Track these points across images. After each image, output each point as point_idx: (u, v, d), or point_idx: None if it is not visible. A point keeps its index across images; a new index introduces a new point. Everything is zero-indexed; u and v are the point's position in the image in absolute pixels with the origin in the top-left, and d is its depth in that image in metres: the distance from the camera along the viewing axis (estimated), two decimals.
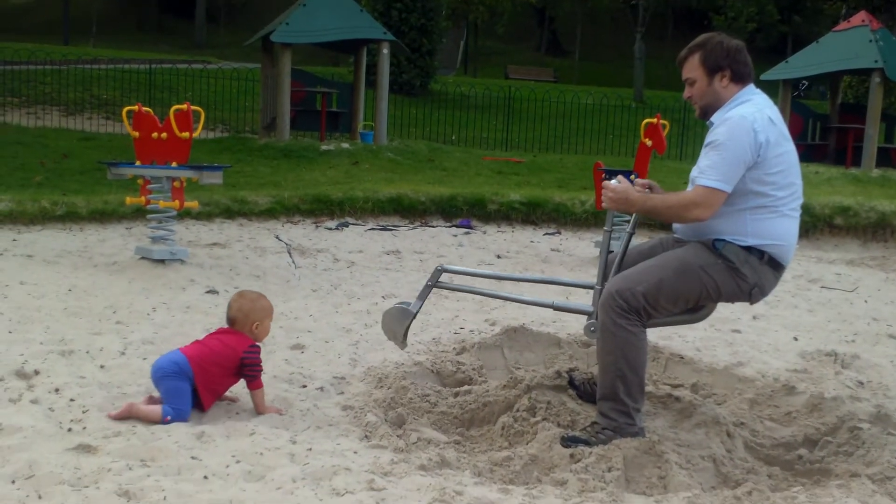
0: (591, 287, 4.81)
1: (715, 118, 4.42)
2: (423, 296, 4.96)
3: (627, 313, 4.27)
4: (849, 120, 19.91)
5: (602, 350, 4.35)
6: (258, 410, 4.57)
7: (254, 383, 4.58)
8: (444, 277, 5.04)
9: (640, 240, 5.11)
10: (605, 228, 4.73)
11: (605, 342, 4.33)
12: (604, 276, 4.65)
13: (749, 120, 4.26)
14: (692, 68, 4.48)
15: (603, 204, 4.58)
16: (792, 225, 4.43)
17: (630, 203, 4.47)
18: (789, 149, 4.40)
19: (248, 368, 4.57)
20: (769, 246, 4.36)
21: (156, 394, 4.50)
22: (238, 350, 4.58)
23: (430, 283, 4.95)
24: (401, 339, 4.97)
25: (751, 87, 4.48)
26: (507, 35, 56.55)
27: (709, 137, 4.36)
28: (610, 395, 4.32)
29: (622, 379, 4.29)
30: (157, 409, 4.33)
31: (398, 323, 4.93)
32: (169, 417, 4.32)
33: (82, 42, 44.37)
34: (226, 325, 4.78)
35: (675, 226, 4.65)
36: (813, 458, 4.55)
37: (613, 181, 4.51)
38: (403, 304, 4.96)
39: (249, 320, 4.68)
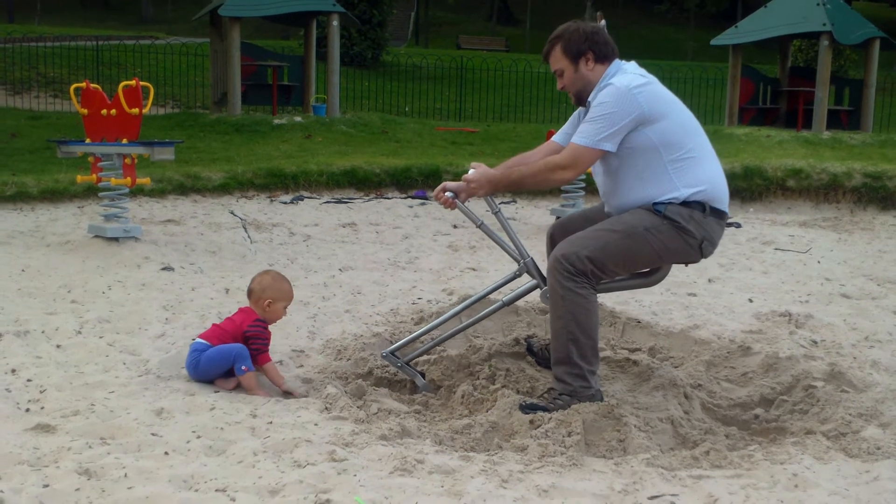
0: (516, 277, 4.86)
1: (592, 97, 4.50)
2: (412, 373, 4.91)
3: (574, 276, 4.29)
4: (799, 83, 20.03)
5: (553, 315, 4.38)
6: (275, 384, 4.65)
7: (260, 357, 4.64)
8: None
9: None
10: (493, 212, 4.83)
11: (555, 306, 4.35)
12: (524, 250, 4.76)
13: (626, 84, 4.37)
14: (557, 60, 4.60)
15: (476, 195, 4.68)
16: (714, 165, 4.53)
17: (493, 183, 4.62)
18: (675, 102, 4.52)
19: (252, 341, 4.64)
20: (703, 192, 4.42)
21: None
22: (243, 325, 4.66)
23: (399, 365, 4.89)
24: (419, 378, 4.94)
25: (617, 62, 4.58)
26: (458, 5, 56.36)
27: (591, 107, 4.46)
28: (564, 359, 4.35)
29: (574, 342, 4.31)
30: (242, 380, 4.53)
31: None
32: (245, 367, 4.50)
33: (27, 20, 43.64)
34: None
35: (607, 210, 4.70)
36: (769, 417, 4.63)
37: (469, 172, 4.64)
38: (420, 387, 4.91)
39: (265, 295, 4.75)
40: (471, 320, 5.02)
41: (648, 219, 4.40)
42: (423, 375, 4.92)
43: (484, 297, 5.09)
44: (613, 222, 4.46)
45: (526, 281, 4.81)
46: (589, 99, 4.50)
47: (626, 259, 4.42)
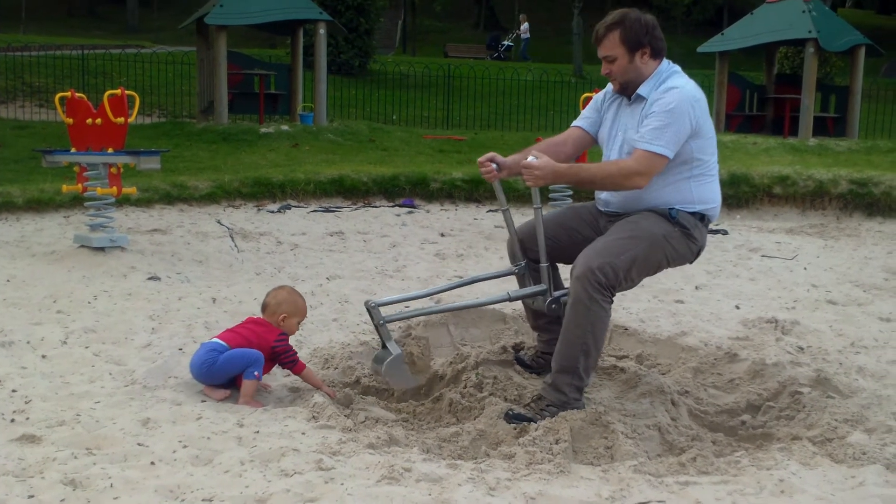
0: (513, 274, 4.83)
1: (644, 91, 4.49)
2: (387, 335, 4.55)
3: (604, 289, 4.27)
4: (785, 90, 20.12)
5: (572, 323, 4.31)
6: (317, 387, 4.70)
7: (295, 368, 4.72)
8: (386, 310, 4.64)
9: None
10: (534, 206, 4.65)
11: (576, 316, 4.29)
12: (545, 254, 4.66)
13: (690, 89, 4.43)
14: (612, 46, 4.53)
15: (528, 183, 4.47)
16: (718, 185, 4.65)
17: (558, 175, 4.50)
18: (710, 117, 4.58)
19: (284, 357, 4.70)
20: (709, 209, 4.57)
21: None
22: (269, 339, 4.69)
23: (380, 322, 4.51)
24: (413, 381, 4.69)
25: (666, 61, 4.60)
26: (445, 13, 56.32)
27: (653, 107, 4.42)
28: (570, 368, 4.32)
29: (586, 354, 4.31)
30: (247, 384, 4.54)
31: (399, 373, 4.56)
32: (257, 373, 4.55)
33: (12, 29, 43.52)
34: (250, 317, 4.97)
35: (609, 201, 4.67)
36: (756, 424, 4.64)
37: (530, 158, 4.45)
38: (385, 356, 4.53)
39: (280, 310, 4.80)
40: (467, 303, 5.02)
41: (663, 225, 4.46)
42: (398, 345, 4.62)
43: (480, 280, 5.07)
44: (633, 230, 4.44)
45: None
46: (643, 94, 4.49)
47: (648, 266, 4.47)
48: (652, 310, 6.75)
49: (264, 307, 4.88)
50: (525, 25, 41.30)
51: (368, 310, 4.52)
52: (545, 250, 4.64)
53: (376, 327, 4.56)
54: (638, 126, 4.46)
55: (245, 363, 4.55)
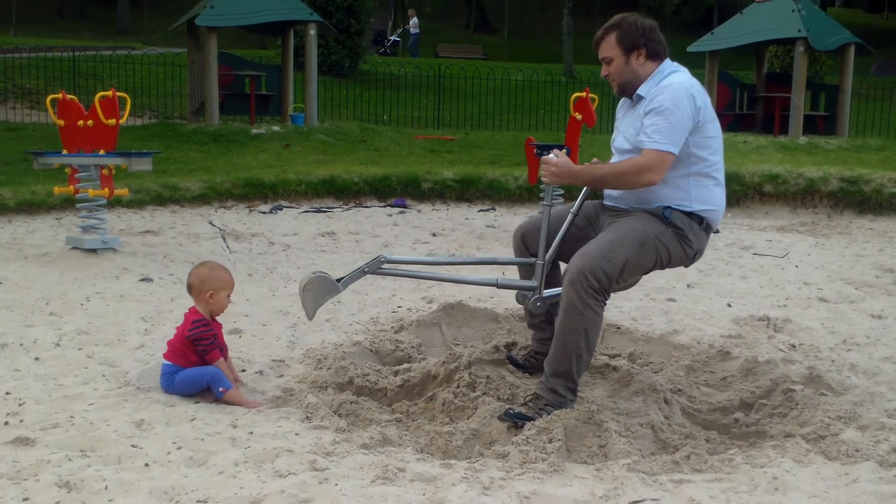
0: (528, 263, 4.84)
1: (643, 91, 4.54)
2: (354, 278, 4.57)
3: (597, 293, 4.29)
4: (775, 89, 20.15)
5: (565, 328, 4.33)
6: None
7: (208, 357, 4.58)
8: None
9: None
10: (544, 203, 4.72)
11: (570, 320, 4.31)
12: (546, 251, 4.68)
13: (686, 86, 4.43)
14: (609, 48, 4.59)
15: (544, 179, 4.57)
16: (723, 192, 4.62)
17: (574, 175, 4.54)
18: (715, 115, 4.58)
19: (197, 343, 4.59)
20: (708, 211, 4.53)
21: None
22: (185, 331, 4.62)
23: (366, 269, 4.55)
24: (312, 312, 4.56)
25: (668, 61, 4.62)
26: (436, 14, 56.36)
27: (650, 105, 4.45)
28: (564, 372, 4.35)
29: (579, 358, 4.33)
30: (227, 397, 4.50)
31: (319, 296, 4.52)
32: (222, 388, 4.47)
33: (2, 31, 43.40)
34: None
35: (611, 194, 4.70)
36: (749, 421, 4.65)
37: (551, 155, 4.52)
38: (332, 278, 4.54)
39: (205, 287, 4.68)
40: (453, 277, 5.02)
41: (657, 226, 4.46)
42: (342, 289, 4.57)
43: (497, 263, 5.08)
44: (624, 231, 4.45)
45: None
46: (642, 94, 4.53)
47: (639, 268, 4.48)
48: (644, 308, 6.76)
49: (189, 288, 4.75)
50: (414, 20, 40.38)
51: (375, 258, 4.55)
52: (545, 247, 4.67)
53: (359, 269, 4.56)
54: (637, 124, 4.49)
55: (201, 384, 4.51)
